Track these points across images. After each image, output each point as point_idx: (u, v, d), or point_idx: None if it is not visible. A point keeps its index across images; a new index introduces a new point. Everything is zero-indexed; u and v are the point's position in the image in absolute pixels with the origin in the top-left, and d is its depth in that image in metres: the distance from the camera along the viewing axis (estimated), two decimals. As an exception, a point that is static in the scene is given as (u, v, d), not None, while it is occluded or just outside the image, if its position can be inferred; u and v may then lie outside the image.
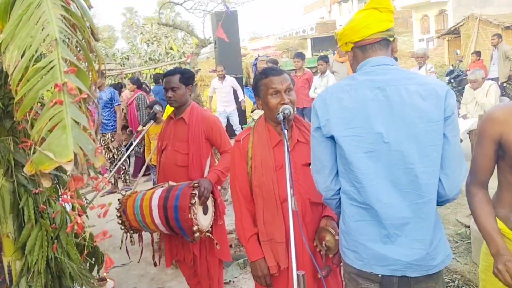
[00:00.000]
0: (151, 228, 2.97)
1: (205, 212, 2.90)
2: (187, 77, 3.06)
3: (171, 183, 2.97)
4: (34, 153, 1.27)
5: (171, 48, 24.58)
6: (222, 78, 8.80)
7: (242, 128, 9.81)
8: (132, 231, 3.08)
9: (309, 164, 2.04)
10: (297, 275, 1.49)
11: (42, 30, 1.39)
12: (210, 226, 2.91)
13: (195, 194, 2.76)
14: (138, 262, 3.61)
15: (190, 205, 2.71)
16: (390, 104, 1.61)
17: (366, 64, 1.71)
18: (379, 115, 1.61)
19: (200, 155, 3.02)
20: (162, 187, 2.98)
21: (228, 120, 9.02)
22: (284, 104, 2.09)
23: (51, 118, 1.27)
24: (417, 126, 1.59)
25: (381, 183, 1.62)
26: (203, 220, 2.84)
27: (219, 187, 3.22)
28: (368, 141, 1.63)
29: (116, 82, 11.19)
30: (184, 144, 3.03)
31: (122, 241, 3.09)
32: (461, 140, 6.88)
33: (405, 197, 1.62)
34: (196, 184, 2.80)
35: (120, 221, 3.02)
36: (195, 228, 2.71)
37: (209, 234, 2.88)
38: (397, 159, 1.60)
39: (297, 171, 2.13)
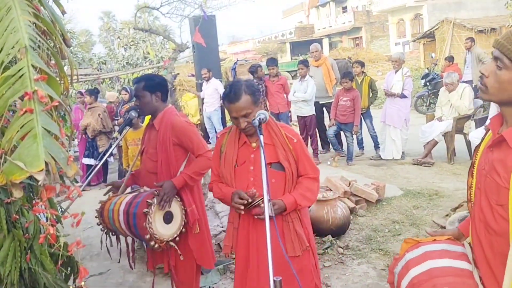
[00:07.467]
0: (122, 233, 2.98)
1: (168, 221, 2.82)
2: (152, 85, 2.99)
3: (145, 188, 2.96)
4: (5, 162, 1.24)
5: (148, 53, 24.38)
6: (207, 80, 9.64)
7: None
8: (111, 233, 3.10)
9: (271, 164, 2.36)
10: (274, 281, 1.49)
11: (12, 37, 1.37)
12: (175, 236, 2.84)
13: (151, 203, 2.71)
14: (118, 262, 3.55)
15: (144, 213, 2.68)
16: None
17: None
18: None
19: (168, 162, 2.96)
20: (139, 192, 2.99)
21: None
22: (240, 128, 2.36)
23: (21, 127, 1.25)
24: None
25: None
26: (163, 229, 2.77)
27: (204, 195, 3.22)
28: None
29: (93, 87, 11.03)
30: (154, 151, 3.00)
31: (101, 242, 3.08)
32: (437, 142, 7.02)
33: None
34: (156, 192, 2.78)
35: (98, 222, 3.07)
36: (148, 237, 2.68)
37: (173, 244, 2.82)
38: None
39: (260, 170, 2.27)
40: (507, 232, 1.39)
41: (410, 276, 1.64)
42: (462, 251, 1.65)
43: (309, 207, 2.55)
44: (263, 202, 2.01)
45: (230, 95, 2.33)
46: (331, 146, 8.14)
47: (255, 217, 2.32)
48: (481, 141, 1.62)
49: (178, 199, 2.91)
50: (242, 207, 2.29)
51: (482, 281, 1.50)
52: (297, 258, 2.39)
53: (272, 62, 8.34)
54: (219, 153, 2.55)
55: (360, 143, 8.14)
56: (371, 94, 7.90)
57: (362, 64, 8.23)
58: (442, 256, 1.64)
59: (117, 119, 7.90)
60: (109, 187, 3.27)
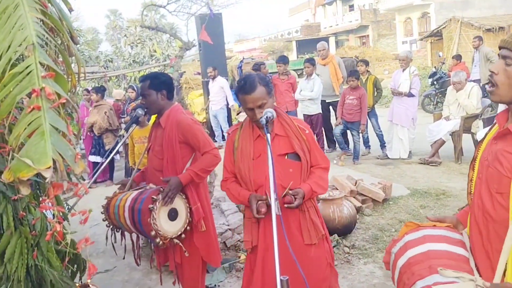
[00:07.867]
0: (127, 229, 2.98)
1: (173, 218, 2.83)
2: (158, 83, 2.99)
3: (151, 185, 2.97)
4: (12, 159, 1.24)
5: (155, 51, 24.45)
6: (213, 78, 9.51)
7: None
8: (116, 229, 3.11)
9: (285, 155, 2.43)
10: (281, 280, 1.48)
11: (19, 34, 1.36)
12: (179, 233, 2.85)
13: (156, 199, 2.72)
14: (123, 258, 3.56)
15: (149, 209, 2.68)
16: None
17: None
18: None
19: (174, 160, 2.97)
20: (145, 188, 2.99)
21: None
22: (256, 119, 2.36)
23: (29, 124, 1.25)
24: None
25: None
26: (168, 226, 2.78)
27: (208, 194, 3.22)
28: None
29: (99, 85, 11.07)
30: (160, 148, 3.01)
31: (106, 238, 3.09)
32: (444, 142, 6.97)
33: None
34: (162, 189, 2.79)
35: (104, 218, 3.08)
36: (153, 233, 2.69)
37: (177, 241, 2.83)
38: None
39: (277, 161, 2.32)
40: (506, 220, 1.46)
41: (407, 256, 1.69)
42: (460, 239, 1.72)
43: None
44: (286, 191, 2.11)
45: (245, 87, 2.36)
46: (337, 145, 8.11)
47: (285, 206, 2.32)
48: (485, 136, 1.70)
49: (183, 197, 2.91)
50: (264, 210, 2.30)
51: (478, 268, 1.56)
52: (313, 245, 2.47)
53: (282, 59, 8.23)
54: (233, 149, 2.55)
55: (367, 142, 8.11)
56: (375, 93, 7.88)
57: (366, 63, 8.22)
58: (441, 240, 1.69)
59: (124, 117, 7.92)
60: (119, 185, 3.28)
